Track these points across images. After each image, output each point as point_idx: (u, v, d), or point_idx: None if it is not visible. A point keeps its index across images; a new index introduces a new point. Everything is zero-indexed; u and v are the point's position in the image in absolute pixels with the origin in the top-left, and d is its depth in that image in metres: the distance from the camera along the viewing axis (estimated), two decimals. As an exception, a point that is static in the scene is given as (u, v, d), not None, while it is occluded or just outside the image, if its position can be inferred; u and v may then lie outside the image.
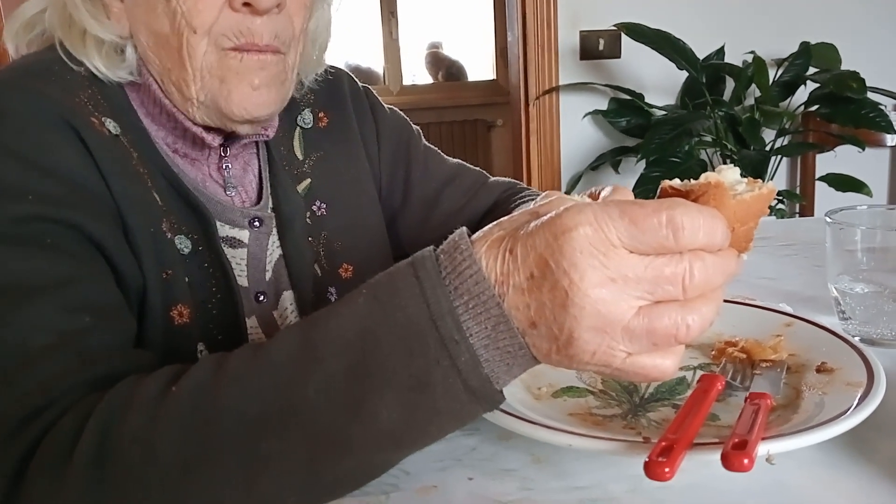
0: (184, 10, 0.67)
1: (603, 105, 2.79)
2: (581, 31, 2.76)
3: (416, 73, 4.94)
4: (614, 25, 2.61)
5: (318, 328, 0.50)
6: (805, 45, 2.61)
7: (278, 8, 0.70)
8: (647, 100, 2.72)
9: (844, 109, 2.43)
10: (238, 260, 0.77)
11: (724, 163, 2.57)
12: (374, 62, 4.70)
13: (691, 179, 0.49)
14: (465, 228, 0.49)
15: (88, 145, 0.65)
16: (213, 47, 0.69)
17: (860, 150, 2.45)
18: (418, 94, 4.64)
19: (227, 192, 0.79)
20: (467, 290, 0.47)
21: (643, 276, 0.45)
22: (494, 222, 0.50)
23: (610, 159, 2.76)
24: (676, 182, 0.50)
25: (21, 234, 0.60)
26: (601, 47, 2.78)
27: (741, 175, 0.51)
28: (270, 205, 0.81)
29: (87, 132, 0.66)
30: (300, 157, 0.84)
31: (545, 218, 0.47)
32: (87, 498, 0.49)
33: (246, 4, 0.69)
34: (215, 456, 0.49)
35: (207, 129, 0.74)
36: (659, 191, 0.50)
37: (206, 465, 0.49)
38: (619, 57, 2.79)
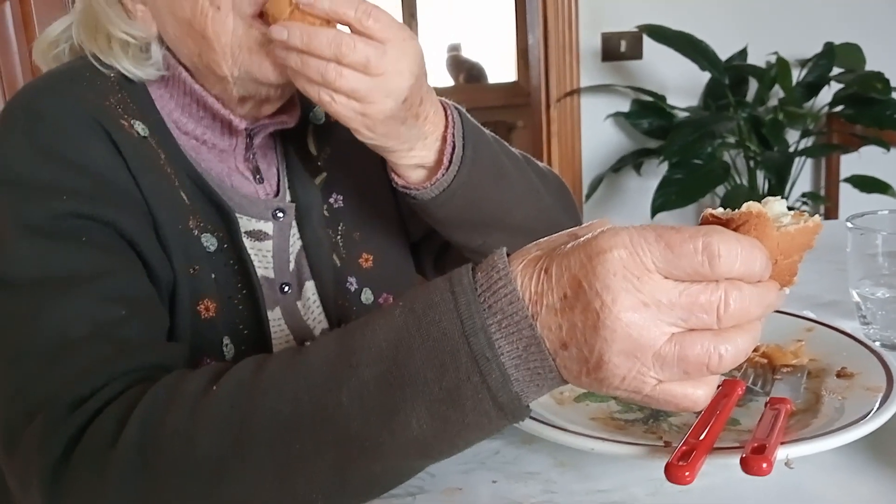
0: None
1: (625, 107, 2.79)
2: (602, 33, 2.76)
3: (436, 75, 4.95)
4: (636, 27, 2.60)
5: (355, 336, 0.52)
6: (829, 46, 2.59)
7: None
8: (669, 101, 2.71)
9: (869, 110, 2.41)
10: (264, 252, 0.79)
11: (748, 165, 2.57)
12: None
13: (734, 209, 0.49)
14: (504, 248, 0.50)
15: (119, 146, 0.68)
16: (239, 20, 0.69)
17: (885, 151, 2.43)
18: (439, 96, 4.65)
19: (257, 181, 0.81)
20: (501, 308, 0.48)
21: (677, 302, 0.45)
22: (534, 242, 0.51)
23: (632, 161, 2.75)
24: (719, 210, 0.50)
25: (58, 229, 0.63)
26: (623, 49, 2.77)
27: (788, 208, 0.51)
28: (288, 197, 0.83)
29: (117, 134, 0.68)
30: (314, 152, 0.86)
31: (581, 239, 0.48)
32: (130, 484, 0.52)
33: None
34: (250, 454, 0.51)
35: (236, 111, 0.76)
36: (700, 218, 0.50)
37: (240, 462, 0.51)
38: (640, 58, 2.78)
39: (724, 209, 0.50)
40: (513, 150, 0.86)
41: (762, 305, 0.47)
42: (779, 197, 0.52)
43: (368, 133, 0.70)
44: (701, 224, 0.50)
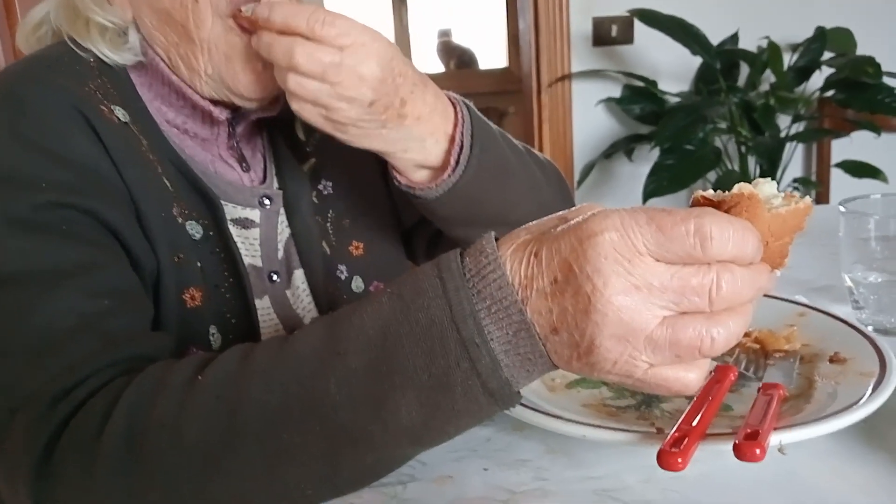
0: None
1: (616, 92, 2.78)
2: (594, 18, 2.75)
3: (427, 61, 4.93)
4: (627, 11, 2.59)
5: (343, 324, 0.51)
6: (820, 30, 2.58)
7: None
8: (660, 86, 2.70)
9: (860, 95, 2.41)
10: (251, 241, 0.78)
11: (740, 150, 2.57)
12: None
13: (725, 191, 0.48)
14: (492, 233, 0.50)
15: (99, 133, 0.67)
16: (218, 18, 0.69)
17: (876, 135, 2.43)
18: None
19: (243, 168, 0.80)
20: (490, 294, 0.47)
21: (668, 285, 0.45)
22: (523, 226, 0.50)
23: (623, 147, 2.75)
24: (710, 192, 0.49)
25: (40, 221, 0.62)
26: (614, 33, 2.76)
27: (778, 189, 0.51)
28: (276, 184, 0.82)
29: (97, 120, 0.67)
30: (303, 137, 0.85)
31: (572, 222, 0.47)
32: (116, 477, 0.51)
33: None
34: (238, 445, 0.50)
35: (215, 102, 0.75)
36: (691, 201, 0.50)
37: (228, 453, 0.50)
38: (632, 43, 2.77)
39: (716, 191, 0.49)
40: (516, 142, 0.85)
41: (754, 288, 0.47)
42: (769, 178, 0.51)
43: (342, 136, 0.70)
44: (692, 206, 0.49)
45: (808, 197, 0.50)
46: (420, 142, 0.71)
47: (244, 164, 0.80)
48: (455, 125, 0.72)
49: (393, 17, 4.59)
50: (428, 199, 0.74)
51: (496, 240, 0.50)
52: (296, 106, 0.67)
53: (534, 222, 0.51)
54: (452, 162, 0.72)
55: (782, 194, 0.50)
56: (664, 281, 0.45)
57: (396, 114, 0.69)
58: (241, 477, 0.51)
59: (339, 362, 0.49)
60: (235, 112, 0.76)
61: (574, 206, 0.91)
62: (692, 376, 0.48)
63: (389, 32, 4.61)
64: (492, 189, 0.76)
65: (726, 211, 0.47)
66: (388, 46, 0.68)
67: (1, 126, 0.65)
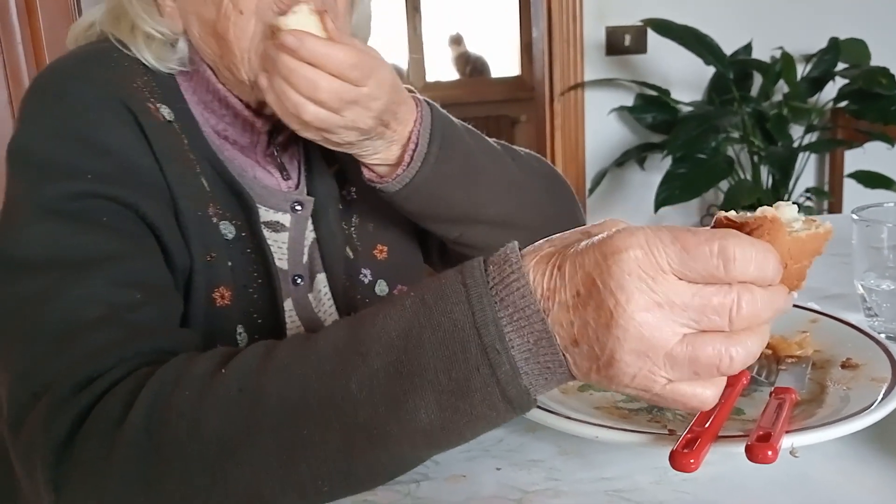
0: None
1: (629, 101, 2.78)
2: (607, 27, 2.76)
3: (439, 68, 4.94)
4: (641, 21, 2.60)
5: (366, 325, 0.52)
6: (834, 41, 2.58)
7: None
8: (673, 96, 2.71)
9: (873, 106, 2.41)
10: (280, 244, 0.80)
11: (752, 159, 2.57)
12: (397, 58, 4.71)
13: (748, 213, 0.49)
14: (516, 242, 0.51)
15: (144, 129, 0.68)
16: (261, 24, 0.71)
17: (889, 146, 2.43)
18: (442, 91, 4.65)
19: (284, 177, 0.82)
20: (512, 302, 0.48)
21: (690, 303, 0.45)
22: (545, 238, 0.51)
23: (635, 156, 2.75)
24: (732, 214, 0.50)
25: (77, 210, 0.63)
26: (627, 43, 2.77)
27: (799, 212, 0.52)
28: (306, 190, 0.84)
29: (143, 116, 0.69)
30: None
31: (596, 238, 0.48)
32: (135, 464, 0.52)
33: None
34: (255, 438, 0.51)
35: (257, 113, 0.76)
36: (714, 221, 0.51)
37: (246, 446, 0.51)
38: (645, 52, 2.78)
39: (738, 212, 0.50)
40: (491, 143, 0.87)
41: (772, 309, 0.48)
42: (790, 202, 0.52)
43: (329, 146, 0.73)
44: (714, 226, 0.50)
45: (828, 222, 0.51)
46: (388, 143, 0.75)
47: (285, 173, 0.82)
48: (413, 124, 0.75)
49: (406, 24, 4.62)
50: (388, 193, 0.77)
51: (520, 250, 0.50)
52: (297, 127, 0.70)
53: (556, 236, 0.51)
54: (407, 158, 0.75)
55: (802, 218, 0.51)
56: (686, 299, 0.45)
57: (383, 130, 0.73)
58: (257, 469, 0.51)
59: (360, 362, 0.50)
60: (276, 123, 0.78)
61: (571, 203, 0.93)
62: (709, 393, 0.48)
63: (403, 40, 4.63)
64: (455, 186, 0.79)
65: (748, 233, 0.48)
66: (395, 76, 0.72)
67: (46, 116, 0.67)
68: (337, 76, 0.67)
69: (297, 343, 0.54)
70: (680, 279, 0.46)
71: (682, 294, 0.45)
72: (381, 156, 0.75)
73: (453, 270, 0.51)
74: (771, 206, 0.50)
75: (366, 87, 0.68)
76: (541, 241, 0.51)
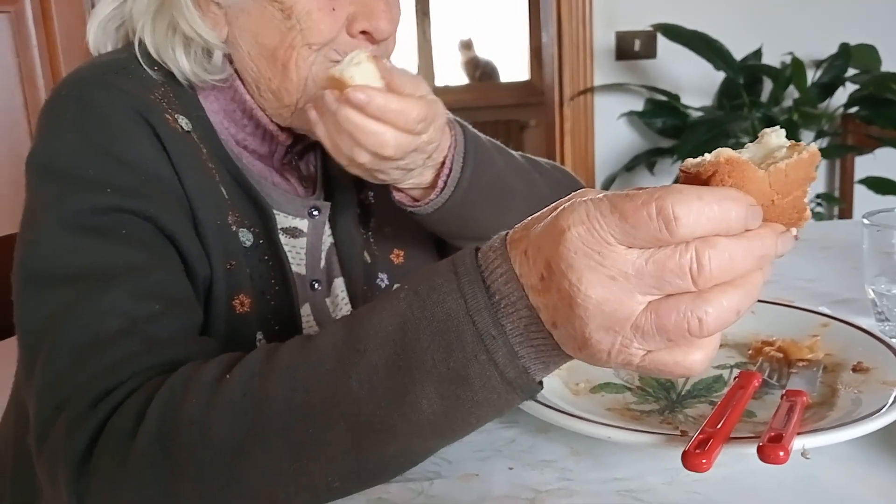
0: (302, 27, 0.70)
1: (638, 106, 2.78)
2: (617, 32, 2.76)
3: (448, 72, 4.96)
4: (650, 26, 2.60)
5: (362, 321, 0.52)
6: (844, 47, 2.58)
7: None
8: (683, 101, 2.70)
9: (884, 111, 2.40)
10: (297, 249, 0.80)
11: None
12: (406, 63, 4.74)
13: (706, 155, 0.45)
14: (508, 231, 0.51)
15: (163, 140, 0.69)
16: (323, 58, 0.72)
17: (900, 152, 2.42)
18: (452, 95, 4.66)
19: (303, 185, 0.82)
20: (498, 288, 0.48)
21: (645, 270, 0.43)
22: (521, 222, 0.50)
23: (645, 161, 2.75)
24: (689, 161, 0.45)
25: (99, 223, 0.64)
26: (637, 48, 2.77)
27: (786, 138, 0.47)
28: (323, 195, 0.84)
29: (161, 128, 0.69)
30: None
31: (549, 217, 0.47)
32: (150, 474, 0.53)
33: (364, 32, 0.72)
34: (264, 441, 0.52)
35: (281, 128, 0.77)
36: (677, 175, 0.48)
37: (255, 450, 0.52)
38: (654, 57, 2.78)
39: (697, 158, 0.45)
40: (517, 157, 0.86)
41: (752, 256, 0.44)
42: (777, 127, 0.47)
43: (372, 181, 0.73)
44: (677, 181, 0.46)
45: (812, 144, 0.46)
46: (421, 169, 0.74)
47: (302, 179, 0.82)
48: (448, 150, 0.75)
49: (416, 29, 4.63)
50: (420, 216, 0.77)
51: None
52: (347, 164, 0.70)
53: (530, 217, 0.50)
54: (440, 184, 0.75)
55: (788, 143, 0.46)
56: (639, 267, 0.43)
57: (425, 161, 0.73)
58: (268, 471, 0.52)
59: (359, 359, 0.51)
60: (298, 135, 0.79)
61: None
62: (693, 358, 0.45)
63: (412, 45, 4.65)
64: (486, 209, 0.79)
65: (707, 180, 0.44)
66: (445, 114, 0.72)
67: (69, 128, 0.67)
68: (404, 131, 0.67)
69: (296, 344, 0.55)
70: (629, 248, 0.43)
71: (634, 263, 0.43)
72: (415, 181, 0.75)
73: (445, 261, 0.51)
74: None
75: (426, 135, 0.69)
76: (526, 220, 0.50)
